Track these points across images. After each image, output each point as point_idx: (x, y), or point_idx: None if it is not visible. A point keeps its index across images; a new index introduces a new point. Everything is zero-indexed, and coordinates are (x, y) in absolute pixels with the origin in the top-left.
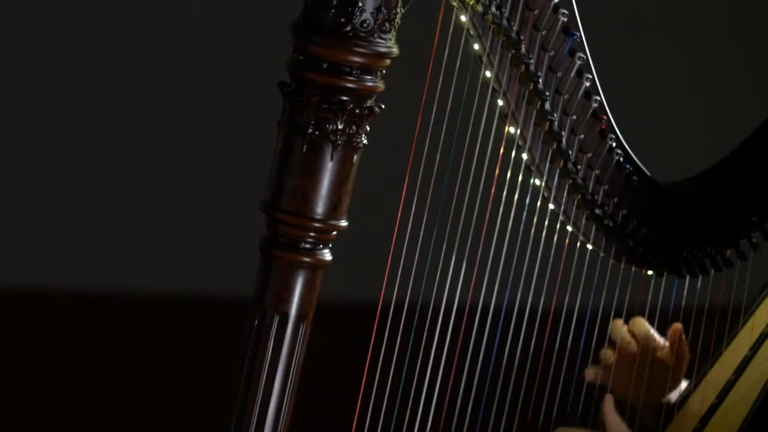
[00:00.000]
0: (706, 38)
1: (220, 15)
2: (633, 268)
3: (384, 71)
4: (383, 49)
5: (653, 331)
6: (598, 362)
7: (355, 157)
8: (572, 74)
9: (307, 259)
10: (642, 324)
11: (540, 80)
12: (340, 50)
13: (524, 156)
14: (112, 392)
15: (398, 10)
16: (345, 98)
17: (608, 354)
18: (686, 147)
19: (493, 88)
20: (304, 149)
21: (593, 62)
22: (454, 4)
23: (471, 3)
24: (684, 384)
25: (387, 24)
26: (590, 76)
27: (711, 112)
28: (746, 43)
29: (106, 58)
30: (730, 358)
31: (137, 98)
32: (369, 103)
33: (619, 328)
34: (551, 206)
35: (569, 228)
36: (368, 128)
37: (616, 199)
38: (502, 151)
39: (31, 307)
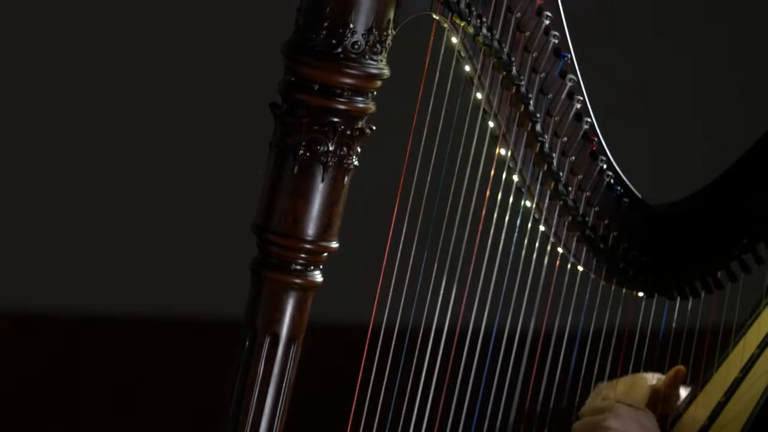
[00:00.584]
0: (699, 59)
1: (212, 36)
2: (623, 290)
3: (375, 92)
4: (374, 71)
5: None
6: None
7: (346, 178)
8: (563, 96)
9: (298, 281)
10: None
11: (531, 102)
12: (331, 72)
13: (515, 178)
14: (101, 415)
15: (389, 31)
16: (336, 119)
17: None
18: (677, 168)
19: (484, 110)
20: (295, 170)
21: (584, 84)
22: (446, 25)
23: (462, 24)
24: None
25: (378, 45)
26: (581, 98)
27: (703, 133)
28: (742, 63)
29: (98, 76)
30: (720, 380)
31: (128, 121)
32: (360, 124)
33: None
34: (542, 228)
35: (560, 250)
36: (359, 149)
37: (606, 221)
38: (492, 172)
39: (18, 329)
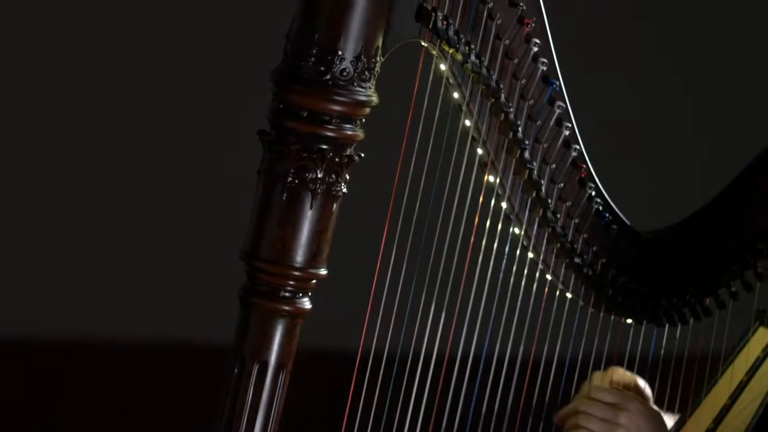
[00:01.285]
0: (690, 87)
1: (200, 62)
2: (612, 317)
3: (363, 120)
4: (363, 98)
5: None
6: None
7: (334, 205)
8: (551, 123)
9: (286, 308)
10: (619, 373)
11: (519, 129)
12: (320, 99)
13: (504, 204)
14: None
15: (378, 58)
16: (325, 147)
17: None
18: (666, 195)
19: (473, 137)
20: (284, 198)
21: (573, 111)
22: (434, 52)
23: (451, 51)
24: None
25: (366, 73)
26: (569, 125)
27: (693, 160)
28: (741, 83)
29: (88, 97)
30: (709, 407)
31: (115, 146)
32: (349, 151)
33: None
34: (530, 255)
35: (548, 276)
36: (348, 177)
37: (595, 248)
38: (481, 199)
39: (7, 354)
